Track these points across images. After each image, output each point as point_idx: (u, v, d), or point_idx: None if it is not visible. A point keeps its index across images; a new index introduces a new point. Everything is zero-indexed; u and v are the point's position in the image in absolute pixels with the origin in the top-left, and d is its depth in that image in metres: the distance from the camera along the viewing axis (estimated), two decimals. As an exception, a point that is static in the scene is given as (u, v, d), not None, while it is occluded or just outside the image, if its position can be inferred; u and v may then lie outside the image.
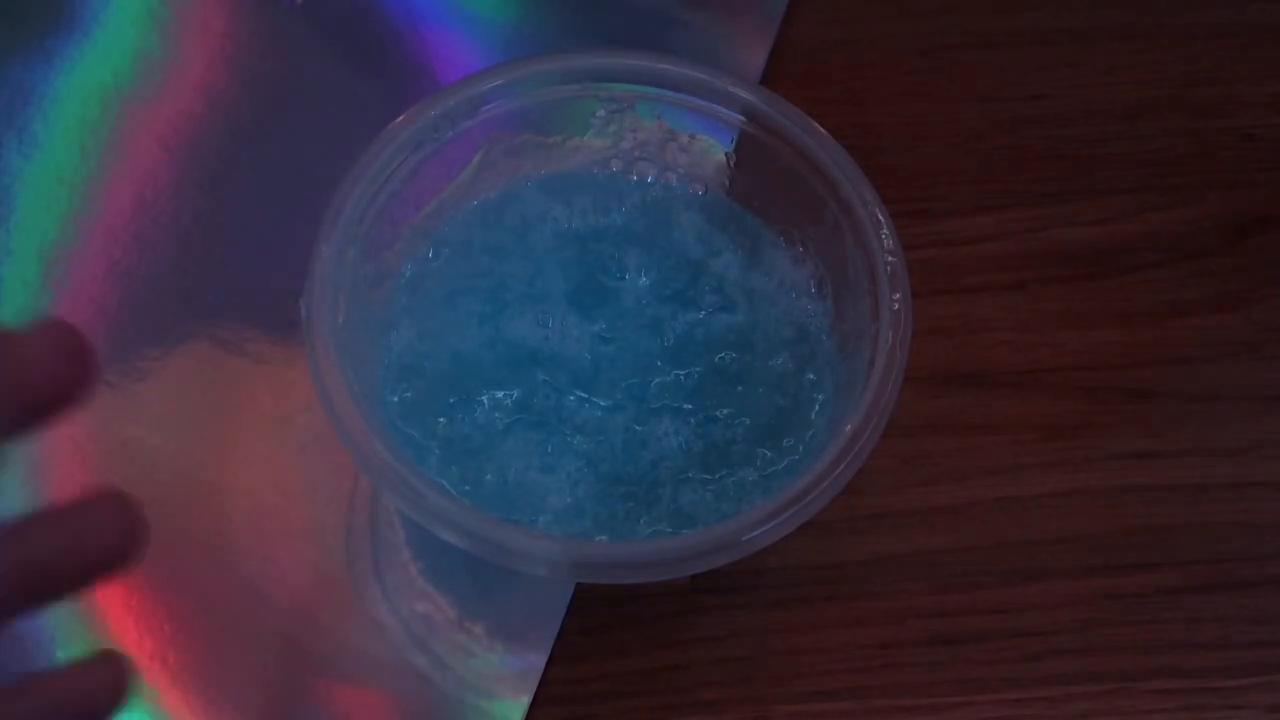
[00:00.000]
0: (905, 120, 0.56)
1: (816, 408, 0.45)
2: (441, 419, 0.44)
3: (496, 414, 0.44)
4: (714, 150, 0.48)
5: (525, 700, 0.44)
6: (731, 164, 0.48)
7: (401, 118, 0.45)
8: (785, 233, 0.47)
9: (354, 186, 0.44)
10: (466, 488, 0.43)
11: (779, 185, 0.46)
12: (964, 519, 0.48)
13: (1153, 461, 0.49)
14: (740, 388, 0.45)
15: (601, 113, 0.47)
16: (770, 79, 0.55)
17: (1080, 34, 0.58)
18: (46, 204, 0.50)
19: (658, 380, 0.45)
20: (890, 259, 0.43)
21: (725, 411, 0.45)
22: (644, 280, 0.47)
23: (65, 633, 0.43)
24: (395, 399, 0.44)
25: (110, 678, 0.29)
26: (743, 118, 0.46)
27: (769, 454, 0.44)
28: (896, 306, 0.43)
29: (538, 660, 0.44)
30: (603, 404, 0.45)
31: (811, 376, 0.46)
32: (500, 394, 0.45)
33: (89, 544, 0.27)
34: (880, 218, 0.44)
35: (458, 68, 0.55)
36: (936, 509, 0.48)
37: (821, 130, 0.45)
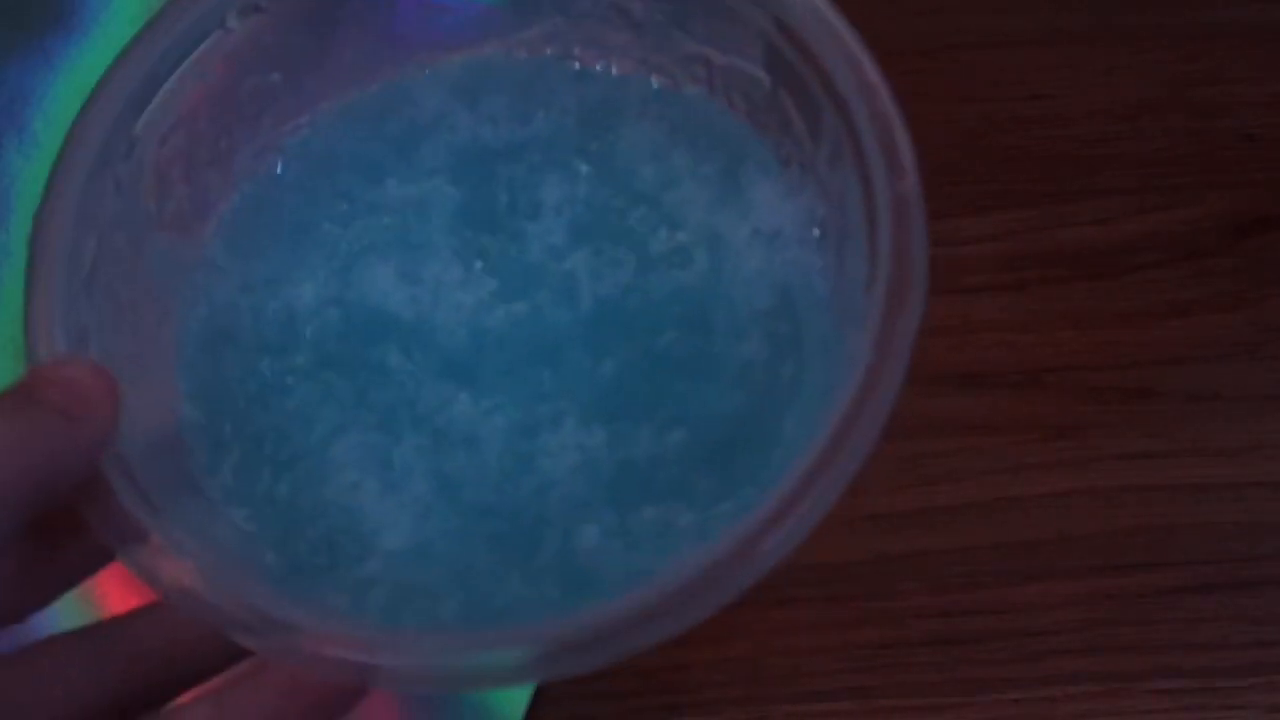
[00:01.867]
0: (905, 120, 0.56)
1: (790, 419, 0.31)
2: (251, 404, 0.32)
3: (326, 405, 0.32)
4: (680, 27, 0.34)
5: (525, 698, 0.44)
6: (702, 46, 0.34)
7: None
8: (779, 149, 0.33)
9: (122, 77, 0.32)
10: (265, 512, 0.31)
11: (776, 82, 0.33)
12: (964, 519, 0.48)
13: (1153, 461, 0.49)
14: (682, 384, 0.32)
15: None
16: (770, 79, 0.55)
17: (1080, 34, 0.58)
18: (46, 204, 0.50)
19: (561, 369, 0.32)
20: (900, 193, 0.29)
21: (655, 419, 0.31)
22: (561, 219, 0.33)
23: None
24: (190, 378, 0.32)
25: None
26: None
27: (711, 485, 0.30)
28: (894, 271, 0.29)
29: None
30: (477, 401, 0.32)
31: (791, 369, 0.31)
32: (335, 375, 0.32)
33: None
34: (893, 131, 0.30)
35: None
36: (936, 509, 0.48)
37: (835, 17, 0.33)
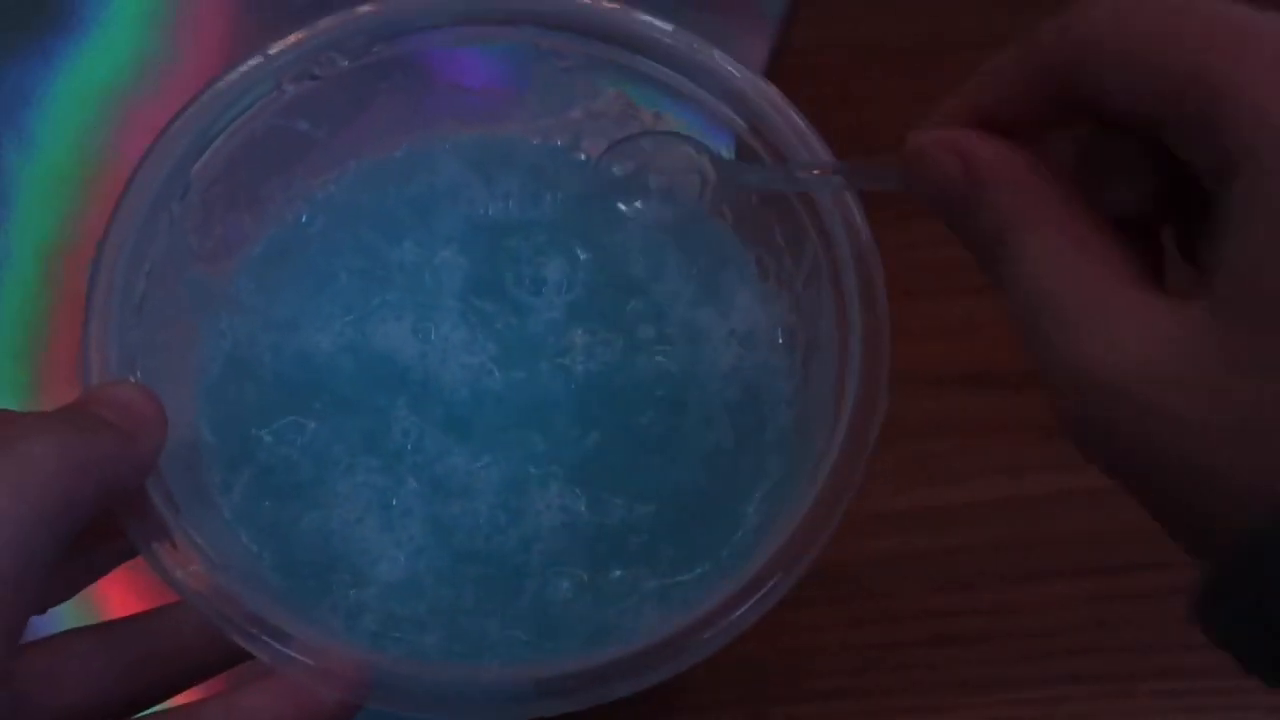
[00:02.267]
0: (905, 120, 0.55)
1: (751, 504, 0.35)
2: (266, 435, 0.35)
3: (337, 444, 0.35)
4: (683, 137, 0.37)
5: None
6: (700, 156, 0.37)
7: (275, 44, 0.36)
8: (759, 259, 0.37)
9: (185, 126, 0.34)
10: (271, 534, 0.34)
11: (761, 197, 0.37)
12: (964, 519, 0.48)
13: (1153, 461, 0.49)
14: (656, 460, 0.35)
15: (548, 68, 0.37)
16: (770, 79, 0.55)
17: (1080, 34, 0.58)
18: (46, 204, 0.50)
19: (551, 434, 0.35)
20: (870, 322, 0.33)
21: (630, 489, 0.35)
22: (561, 298, 0.37)
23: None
24: (209, 402, 0.35)
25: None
26: (726, 108, 0.36)
27: (675, 555, 0.34)
28: (861, 393, 0.32)
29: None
30: (474, 455, 0.35)
31: (751, 459, 0.35)
32: (347, 417, 0.35)
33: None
34: (871, 269, 0.34)
35: (457, 64, 0.54)
36: (936, 509, 0.48)
37: (818, 144, 0.36)
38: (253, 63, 0.35)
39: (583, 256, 0.37)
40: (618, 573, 0.34)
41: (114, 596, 0.44)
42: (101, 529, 0.29)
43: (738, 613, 0.30)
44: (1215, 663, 0.46)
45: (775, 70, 0.55)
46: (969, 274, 0.53)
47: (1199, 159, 0.24)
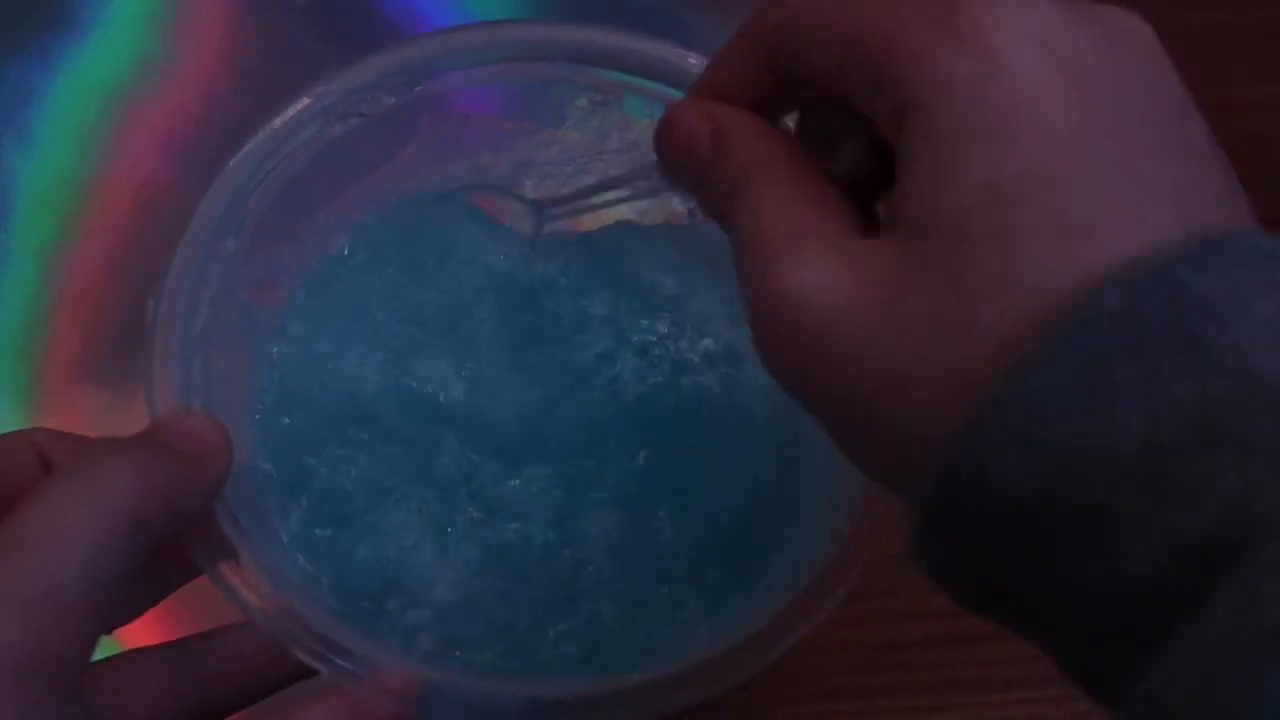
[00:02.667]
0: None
1: (797, 526, 0.36)
2: (321, 465, 0.36)
3: (390, 475, 0.36)
4: None
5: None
6: None
7: (321, 86, 0.37)
8: None
9: (242, 163, 0.36)
10: (328, 558, 0.35)
11: None
12: (964, 519, 0.48)
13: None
14: (703, 482, 0.36)
15: (583, 102, 0.39)
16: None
17: (1080, 34, 0.58)
18: (46, 204, 0.50)
19: (601, 461, 0.36)
20: None
21: (678, 511, 0.36)
22: (601, 325, 0.37)
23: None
24: (264, 430, 0.36)
25: None
26: None
27: (721, 576, 0.35)
28: None
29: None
30: (527, 481, 0.36)
31: (795, 481, 0.36)
32: (399, 450, 0.36)
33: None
34: None
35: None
36: (937, 509, 0.48)
37: None
38: (305, 103, 0.37)
39: (619, 286, 0.38)
40: (665, 592, 0.35)
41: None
42: (164, 552, 0.30)
43: (782, 634, 0.32)
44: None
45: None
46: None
47: (880, 115, 0.26)
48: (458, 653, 0.34)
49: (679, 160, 0.30)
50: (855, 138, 0.28)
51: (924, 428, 0.24)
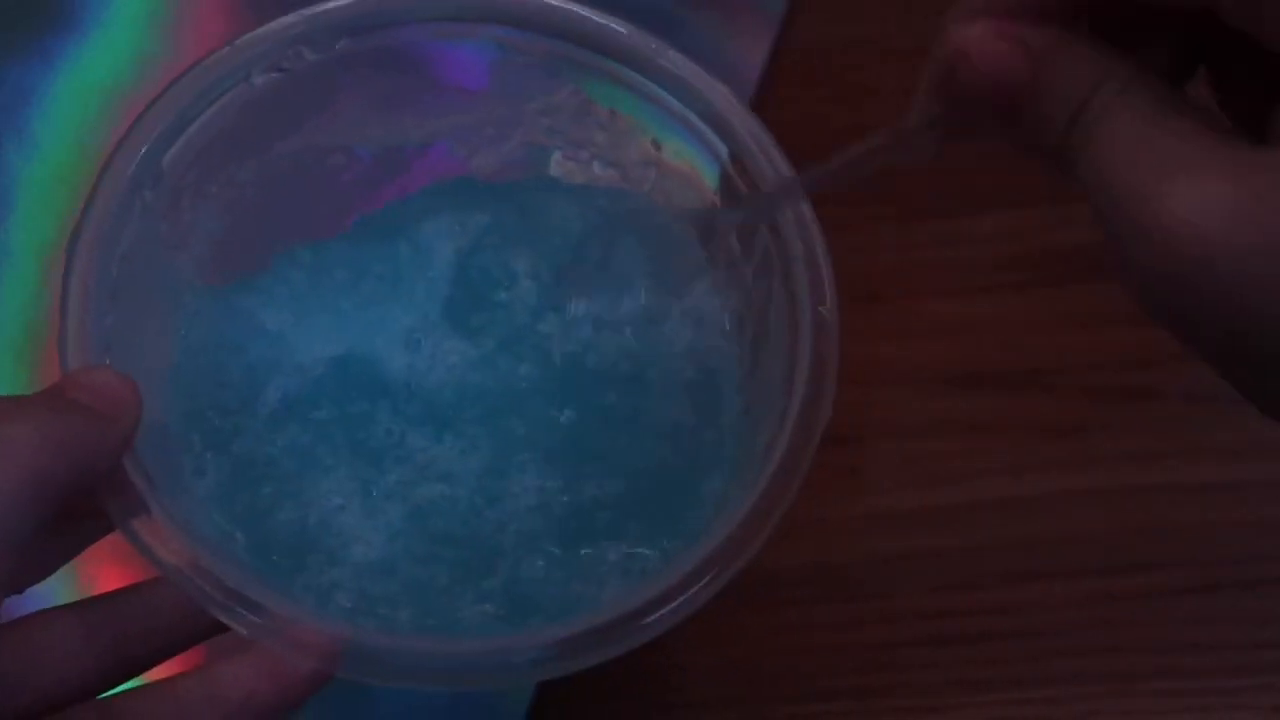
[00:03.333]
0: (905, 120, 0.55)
1: (713, 482, 0.36)
2: (238, 424, 0.36)
3: (313, 435, 0.36)
4: (638, 132, 0.38)
5: (527, 699, 0.44)
6: (656, 151, 0.38)
7: (242, 37, 0.36)
8: (709, 249, 0.38)
9: (158, 115, 0.35)
10: (246, 517, 0.35)
11: (722, 199, 0.38)
12: (964, 519, 0.48)
13: (1153, 461, 0.49)
14: (624, 437, 0.36)
15: (497, 57, 0.38)
16: (770, 79, 0.55)
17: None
18: (46, 204, 0.50)
19: (528, 419, 0.36)
20: (820, 312, 0.34)
21: (600, 467, 0.36)
22: (530, 290, 0.38)
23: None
24: (180, 388, 0.36)
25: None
26: (679, 104, 0.37)
27: (639, 530, 0.35)
28: (807, 390, 0.33)
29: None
30: (455, 444, 0.36)
31: (711, 439, 0.36)
32: (324, 410, 0.36)
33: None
34: (819, 259, 0.34)
35: (458, 67, 0.54)
36: (937, 509, 0.48)
37: (773, 147, 0.36)
38: (221, 54, 0.36)
39: (544, 247, 0.38)
40: (586, 548, 0.35)
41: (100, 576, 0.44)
42: (75, 510, 0.30)
43: (695, 589, 0.31)
44: (1215, 663, 0.46)
45: (775, 70, 0.55)
46: (969, 274, 0.53)
47: (1265, 28, 0.24)
48: (378, 611, 0.34)
49: (992, 95, 0.27)
50: (1189, 47, 0.26)
51: None
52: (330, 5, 0.37)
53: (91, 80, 0.53)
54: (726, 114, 0.37)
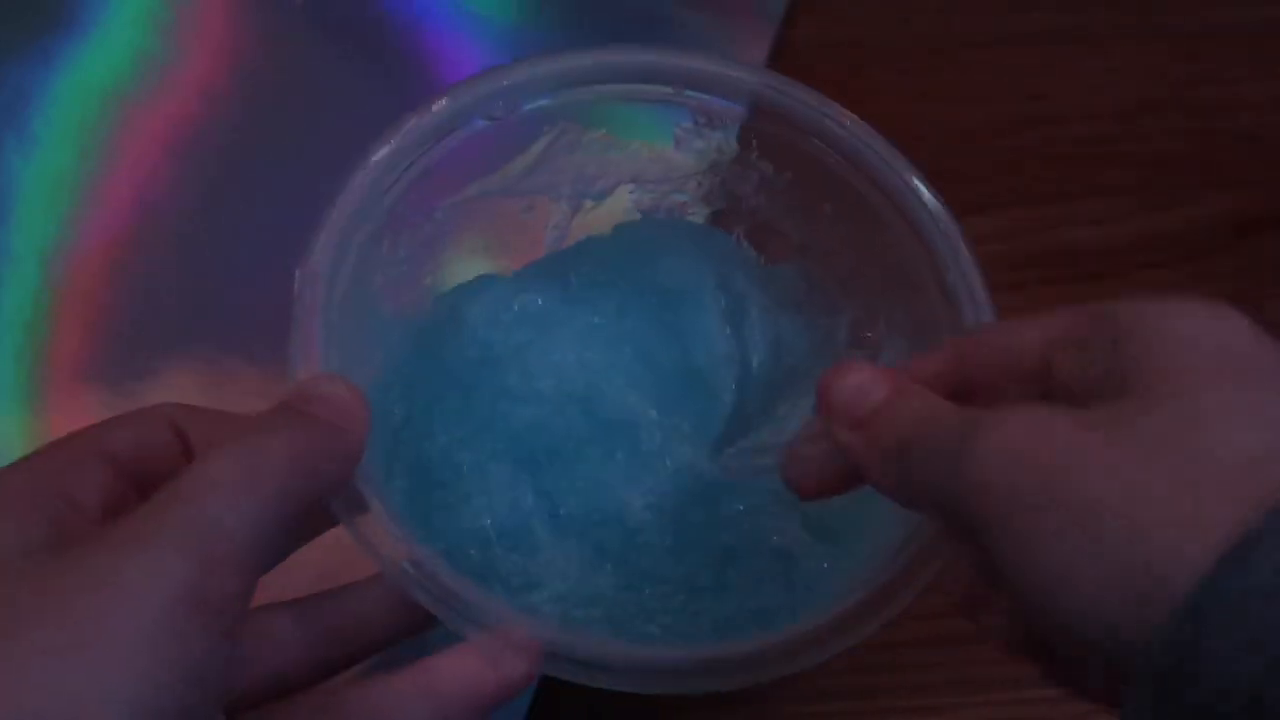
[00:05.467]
0: (905, 120, 0.55)
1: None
2: (437, 449, 0.39)
3: (503, 462, 0.39)
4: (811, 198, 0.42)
5: (527, 697, 0.44)
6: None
7: (447, 96, 0.39)
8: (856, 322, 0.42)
9: (389, 146, 0.39)
10: (440, 528, 0.39)
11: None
12: (964, 519, 0.48)
13: (1153, 461, 0.49)
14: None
15: (689, 125, 0.42)
16: (770, 79, 0.55)
17: (1080, 34, 0.58)
18: (46, 204, 0.50)
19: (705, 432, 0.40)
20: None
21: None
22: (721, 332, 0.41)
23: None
24: (382, 405, 0.39)
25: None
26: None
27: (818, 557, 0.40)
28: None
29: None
30: (636, 481, 0.39)
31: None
32: (536, 445, 0.39)
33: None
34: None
35: (458, 66, 0.55)
36: (936, 509, 0.48)
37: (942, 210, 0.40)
38: (442, 102, 0.39)
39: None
40: (758, 596, 0.39)
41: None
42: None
43: (872, 614, 0.35)
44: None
45: (775, 70, 0.55)
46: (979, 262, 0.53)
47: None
48: (574, 615, 0.38)
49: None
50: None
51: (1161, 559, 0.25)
52: (540, 63, 0.40)
53: (91, 80, 0.53)
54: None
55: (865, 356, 0.41)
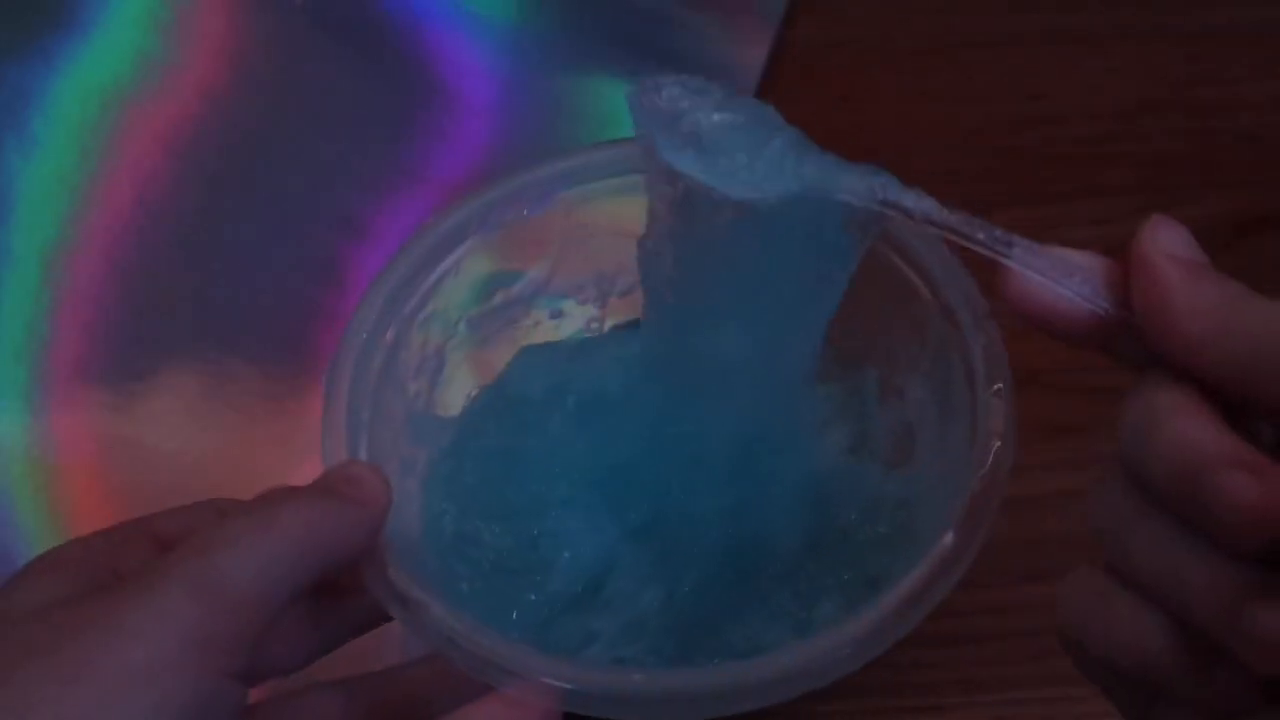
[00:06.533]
0: (905, 120, 0.56)
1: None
2: (485, 531, 0.41)
3: (560, 545, 0.41)
4: None
5: None
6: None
7: (481, 193, 0.41)
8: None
9: (408, 249, 0.41)
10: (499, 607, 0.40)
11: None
12: (964, 519, 0.47)
13: (1153, 461, 0.49)
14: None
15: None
16: (770, 79, 0.55)
17: (1080, 34, 0.58)
18: (46, 204, 0.50)
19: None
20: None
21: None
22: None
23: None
24: (429, 491, 0.41)
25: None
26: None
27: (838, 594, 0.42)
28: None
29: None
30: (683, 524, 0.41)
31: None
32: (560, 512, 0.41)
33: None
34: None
35: (458, 67, 0.55)
36: (936, 509, 0.48)
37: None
38: (459, 209, 0.41)
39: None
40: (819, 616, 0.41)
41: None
42: (352, 587, 0.35)
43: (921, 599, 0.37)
44: (1215, 662, 0.46)
45: (775, 70, 0.55)
46: (969, 271, 0.53)
47: None
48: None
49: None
50: None
51: None
52: (551, 166, 0.41)
53: (91, 80, 0.53)
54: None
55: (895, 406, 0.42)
